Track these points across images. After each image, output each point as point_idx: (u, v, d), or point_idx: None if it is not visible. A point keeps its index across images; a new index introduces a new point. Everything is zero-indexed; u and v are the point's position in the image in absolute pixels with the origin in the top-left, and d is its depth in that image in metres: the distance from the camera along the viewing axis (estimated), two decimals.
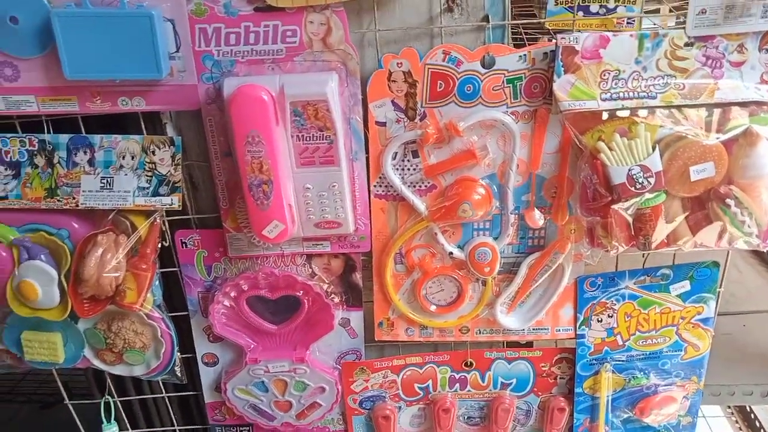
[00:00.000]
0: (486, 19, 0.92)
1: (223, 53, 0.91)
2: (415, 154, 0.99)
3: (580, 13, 1.13)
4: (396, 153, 0.99)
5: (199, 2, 0.88)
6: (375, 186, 1.01)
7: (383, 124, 0.97)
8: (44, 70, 0.89)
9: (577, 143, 0.94)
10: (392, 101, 0.96)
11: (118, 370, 1.09)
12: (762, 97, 0.92)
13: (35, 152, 0.95)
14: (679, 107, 0.92)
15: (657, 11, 1.47)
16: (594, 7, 0.92)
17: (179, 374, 1.11)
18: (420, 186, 1.01)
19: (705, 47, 0.91)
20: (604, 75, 0.92)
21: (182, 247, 1.05)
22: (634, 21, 1.84)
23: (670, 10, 1.39)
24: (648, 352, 1.15)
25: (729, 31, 0.89)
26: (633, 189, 0.90)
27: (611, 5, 0.92)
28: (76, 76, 0.86)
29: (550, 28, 1.29)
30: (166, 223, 1.02)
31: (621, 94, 0.92)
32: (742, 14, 0.88)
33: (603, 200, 0.92)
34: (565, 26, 1.20)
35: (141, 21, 0.83)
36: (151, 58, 0.85)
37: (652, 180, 0.90)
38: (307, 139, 0.92)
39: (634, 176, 0.90)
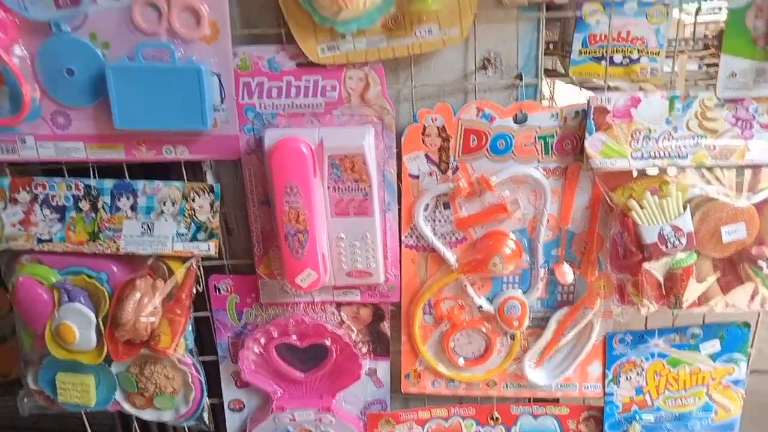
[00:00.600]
0: (519, 77, 0.95)
1: (264, 106, 0.95)
2: (447, 206, 1.01)
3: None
4: (428, 205, 1.01)
5: (244, 57, 0.92)
6: (406, 237, 1.03)
7: (416, 177, 0.99)
8: (94, 119, 0.93)
9: (608, 200, 0.95)
10: (426, 154, 0.98)
11: (147, 414, 1.09)
12: None
13: (81, 197, 0.98)
14: (710, 168, 0.94)
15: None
16: (617, 58, 0.94)
17: (207, 421, 1.11)
18: (450, 238, 1.02)
19: (735, 109, 0.93)
20: (635, 134, 0.94)
21: (215, 292, 1.06)
22: (657, 71, 1.87)
23: (699, 67, 1.42)
24: (677, 414, 1.13)
25: (759, 94, 0.91)
26: (665, 249, 0.90)
27: (635, 56, 0.94)
28: (125, 126, 0.90)
29: (573, 77, 1.32)
30: (201, 268, 1.04)
31: (652, 153, 0.93)
32: None
33: (634, 258, 0.93)
34: (588, 76, 1.22)
35: (190, 75, 0.87)
36: (198, 110, 0.89)
37: (683, 240, 0.91)
38: (343, 190, 0.94)
39: (666, 236, 0.91)
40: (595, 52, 1.19)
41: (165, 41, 0.88)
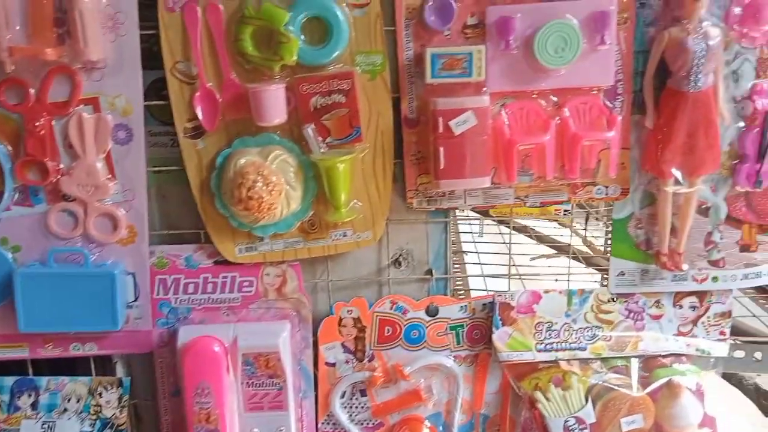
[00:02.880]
0: (430, 272, 1.00)
1: (180, 301, 0.95)
2: (363, 394, 1.02)
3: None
4: (344, 392, 1.02)
5: (161, 256, 0.93)
6: (323, 424, 1.02)
7: (333, 365, 1.01)
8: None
9: (516, 389, 1.00)
10: (342, 344, 1.00)
11: None
12: (680, 349, 1.02)
13: None
14: (606, 359, 1.00)
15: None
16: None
17: None
18: (368, 424, 1.03)
19: (626, 302, 1.01)
20: (539, 327, 1.00)
21: None
22: (570, 212, 2.00)
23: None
24: None
25: (646, 290, 1.00)
26: None
27: None
28: (30, 330, 0.88)
29: (493, 215, 1.41)
30: None
31: (554, 345, 0.99)
32: (656, 277, 0.99)
33: None
34: (505, 214, 1.28)
35: (103, 279, 0.87)
36: (109, 312, 0.88)
37: (587, 431, 0.95)
38: (257, 385, 0.94)
39: (571, 427, 0.95)
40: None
41: (79, 246, 0.88)
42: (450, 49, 0.86)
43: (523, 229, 2.04)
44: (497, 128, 0.89)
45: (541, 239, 2.00)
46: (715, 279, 0.98)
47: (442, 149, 0.88)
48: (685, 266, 0.96)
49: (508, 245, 1.05)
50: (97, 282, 0.87)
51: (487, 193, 0.95)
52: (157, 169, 0.92)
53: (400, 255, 1.00)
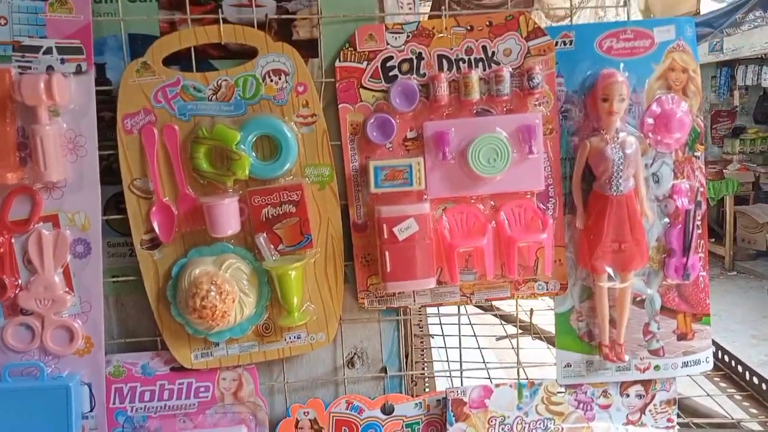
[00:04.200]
0: (384, 370, 1.03)
1: (136, 409, 0.96)
2: None
3: None
4: None
5: (118, 365, 0.95)
6: None
7: None
8: None
9: None
10: None
11: None
12: None
13: None
14: None
15: None
16: None
17: None
18: None
19: (575, 392, 1.04)
20: (492, 421, 1.02)
21: None
22: None
23: None
24: None
25: (593, 380, 1.03)
26: None
27: None
28: None
29: None
30: None
31: None
32: (600, 368, 1.03)
33: None
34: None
35: (58, 392, 0.89)
36: (64, 426, 0.89)
37: None
38: None
39: None
40: None
41: (36, 359, 0.89)
42: (391, 162, 0.93)
43: (489, 308, 2.08)
44: (439, 232, 0.95)
45: (506, 318, 2.03)
46: (657, 368, 1.02)
47: (387, 254, 0.93)
48: (626, 357, 1.00)
49: (458, 338, 1.08)
50: (52, 395, 0.88)
51: (435, 291, 0.99)
52: (115, 279, 0.95)
53: (354, 354, 1.02)
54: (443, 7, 0.94)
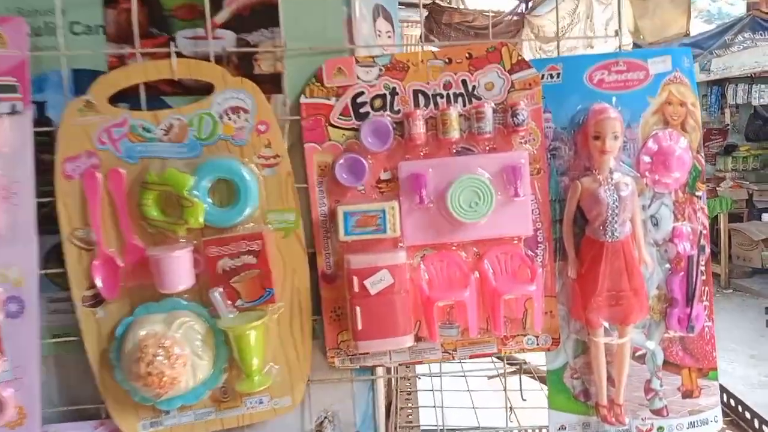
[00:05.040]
0: None
1: None
2: None
3: None
4: None
5: None
6: None
7: None
8: None
9: None
10: None
11: None
12: None
13: None
14: None
15: None
16: None
17: None
18: None
19: None
20: None
21: None
22: None
23: None
24: None
25: None
26: None
27: None
28: None
29: None
30: None
31: None
32: (598, 430, 0.93)
33: None
34: None
35: None
36: None
37: None
38: None
39: None
40: None
41: None
42: (362, 207, 0.84)
43: None
44: (416, 284, 0.86)
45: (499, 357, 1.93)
46: (660, 429, 0.93)
47: (358, 309, 0.83)
48: (627, 418, 0.90)
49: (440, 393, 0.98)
50: None
51: (414, 348, 0.90)
52: (55, 339, 0.85)
53: (324, 418, 0.92)
54: (419, 38, 0.86)
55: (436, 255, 0.88)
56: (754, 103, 6.21)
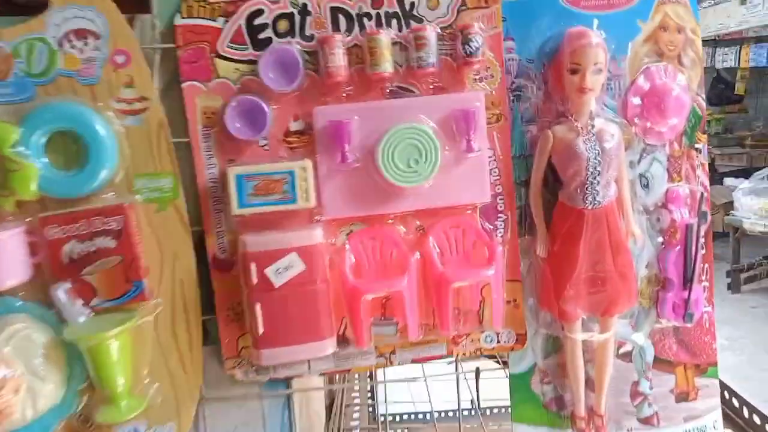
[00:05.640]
0: None
1: None
2: None
3: None
4: None
5: None
6: None
7: None
8: None
9: None
10: None
11: None
12: None
13: None
14: None
15: None
16: None
17: None
18: None
19: None
20: None
21: None
22: None
23: None
24: None
25: None
26: None
27: None
28: None
29: None
30: None
31: None
32: None
33: None
34: None
35: None
36: None
37: None
38: None
39: None
40: None
41: None
42: (262, 168, 0.62)
43: None
44: (339, 271, 0.65)
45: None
46: None
47: (259, 307, 0.62)
48: (610, 431, 0.72)
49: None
50: None
51: (339, 354, 0.69)
52: None
53: None
54: None
55: (366, 231, 0.67)
56: (717, 66, 6.17)
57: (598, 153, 0.64)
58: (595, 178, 0.64)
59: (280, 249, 0.61)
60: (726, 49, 6.11)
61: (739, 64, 5.30)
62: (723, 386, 1.00)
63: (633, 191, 0.70)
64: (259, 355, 0.63)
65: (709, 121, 6.68)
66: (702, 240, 0.72)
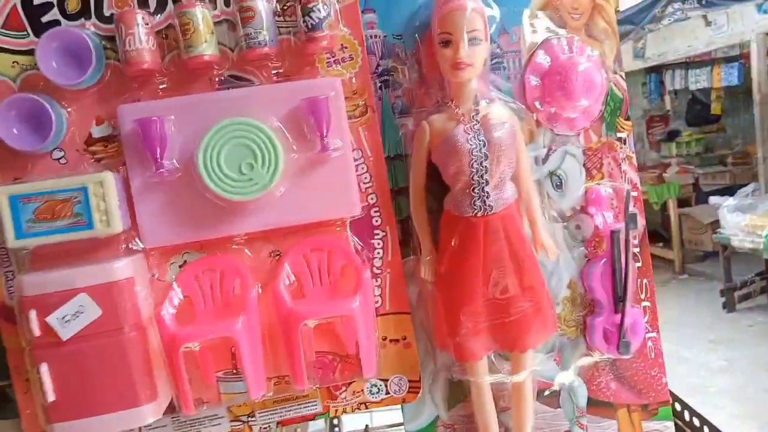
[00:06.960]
0: None
1: None
2: None
3: None
4: None
5: None
6: None
7: None
8: None
9: None
10: None
11: None
12: None
13: None
14: None
15: None
16: None
17: None
18: None
19: None
20: None
21: None
22: None
23: None
24: None
25: None
26: None
27: None
28: None
29: None
30: None
31: None
32: None
33: None
34: None
35: None
36: None
37: None
38: None
39: None
40: None
41: None
42: (43, 186, 0.48)
43: None
44: (157, 316, 0.50)
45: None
46: None
47: (45, 367, 0.47)
48: None
49: None
50: None
51: (178, 420, 0.53)
52: None
53: None
54: None
55: (202, 261, 0.52)
56: (692, 87, 6.22)
57: (484, 144, 0.50)
58: (482, 177, 0.50)
59: (65, 290, 0.46)
60: (698, 70, 6.15)
61: (712, 84, 5.32)
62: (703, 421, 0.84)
63: (542, 193, 0.56)
64: (51, 430, 0.48)
65: (689, 142, 6.70)
66: (636, 249, 0.58)
